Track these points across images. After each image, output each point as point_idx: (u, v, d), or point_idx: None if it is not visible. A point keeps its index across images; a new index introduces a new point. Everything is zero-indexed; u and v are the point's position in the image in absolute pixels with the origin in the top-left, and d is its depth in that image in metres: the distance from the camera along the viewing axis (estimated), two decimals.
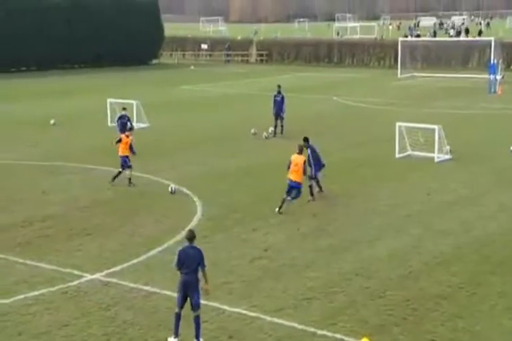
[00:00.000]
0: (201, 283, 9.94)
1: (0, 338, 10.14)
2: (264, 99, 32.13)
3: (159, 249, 13.65)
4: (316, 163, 17.38)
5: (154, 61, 62.04)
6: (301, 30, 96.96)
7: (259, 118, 29.13)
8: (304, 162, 16.18)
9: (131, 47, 58.13)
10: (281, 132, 26.15)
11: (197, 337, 9.88)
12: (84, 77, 49.50)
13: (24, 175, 20.03)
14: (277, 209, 16.18)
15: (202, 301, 10.05)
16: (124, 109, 24.02)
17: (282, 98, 26.26)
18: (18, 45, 50.70)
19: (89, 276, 12.36)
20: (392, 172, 20.31)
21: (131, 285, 11.99)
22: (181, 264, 9.82)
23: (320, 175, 17.60)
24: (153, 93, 39.35)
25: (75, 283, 12.07)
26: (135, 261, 13.11)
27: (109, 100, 28.80)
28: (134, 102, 28.03)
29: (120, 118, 23.64)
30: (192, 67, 57.91)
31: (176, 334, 9.96)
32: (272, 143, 25.15)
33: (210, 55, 65.72)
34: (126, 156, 18.80)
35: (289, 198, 16.20)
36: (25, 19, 51.34)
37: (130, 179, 18.71)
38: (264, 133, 25.94)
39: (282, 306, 11.10)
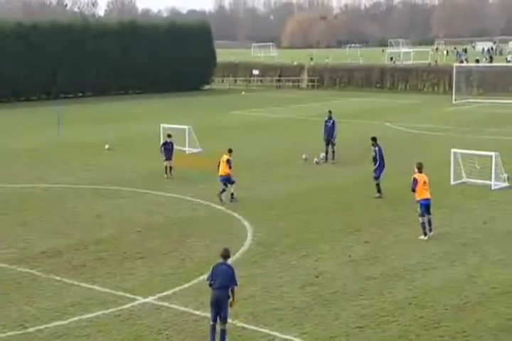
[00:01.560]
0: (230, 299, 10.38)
1: None
2: (315, 125, 32.16)
3: (210, 273, 13.66)
4: (380, 162, 19.49)
5: (206, 87, 63.02)
6: (352, 55, 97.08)
7: (310, 143, 29.13)
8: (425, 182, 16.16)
9: (185, 73, 59.24)
10: (333, 158, 26.06)
11: None
12: (138, 102, 50.62)
13: (80, 198, 20.49)
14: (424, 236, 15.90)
15: (252, 327, 10.11)
16: (169, 136, 24.10)
17: (333, 123, 26.24)
18: (75, 71, 52.34)
19: (141, 300, 12.48)
20: (447, 199, 19.91)
21: (182, 309, 12.05)
22: (214, 279, 10.40)
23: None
24: (205, 118, 39.90)
25: (128, 306, 12.20)
26: (186, 285, 13.18)
27: (162, 125, 29.34)
28: (186, 127, 28.46)
29: (164, 144, 23.87)
30: (243, 93, 58.57)
31: None
32: (323, 168, 25.07)
33: (261, 81, 66.38)
34: (227, 175, 19.69)
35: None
36: (82, 46, 53.06)
37: (233, 194, 19.78)
38: (315, 159, 25.90)
39: (334, 334, 10.94)
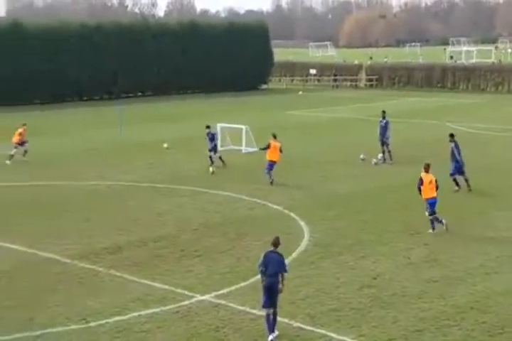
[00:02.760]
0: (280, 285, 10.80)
1: None
2: (373, 125, 31.74)
3: None
4: (456, 159, 20.25)
5: (263, 86, 63.14)
6: (413, 54, 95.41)
7: (368, 143, 28.81)
8: (436, 180, 16.77)
9: (242, 73, 59.55)
10: (390, 158, 25.72)
11: (273, 330, 10.77)
12: (196, 101, 51.18)
13: (141, 196, 20.88)
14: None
15: (309, 327, 10.13)
16: (208, 127, 25.09)
17: (386, 123, 25.91)
18: (136, 70, 53.33)
19: (199, 297, 12.63)
20: (511, 201, 19.35)
21: (239, 307, 12.13)
22: (264, 267, 10.87)
23: None
24: (262, 118, 39.99)
25: (186, 303, 12.36)
26: (243, 284, 13.26)
27: (219, 125, 29.58)
28: (243, 127, 28.60)
29: (208, 134, 25.00)
30: (300, 93, 58.42)
31: (273, 330, 10.75)
32: (381, 169, 24.76)
33: (318, 80, 66.04)
34: (274, 162, 21.44)
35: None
36: (142, 46, 54.01)
37: (272, 181, 21.50)
38: (374, 160, 25.60)
39: (392, 337, 10.80)
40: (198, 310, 12.07)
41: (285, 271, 11.02)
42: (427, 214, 16.58)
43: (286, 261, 14.16)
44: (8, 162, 25.98)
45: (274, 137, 22.49)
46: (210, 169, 23.97)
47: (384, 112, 26.29)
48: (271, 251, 11.05)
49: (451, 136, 21.11)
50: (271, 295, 10.81)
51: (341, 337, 10.88)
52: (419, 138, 30.99)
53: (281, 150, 22.08)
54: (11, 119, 39.63)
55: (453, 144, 20.85)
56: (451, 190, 20.12)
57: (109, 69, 51.75)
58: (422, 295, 12.47)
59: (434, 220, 16.46)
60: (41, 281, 13.46)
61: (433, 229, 16.49)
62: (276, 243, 11.15)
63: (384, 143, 25.86)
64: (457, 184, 20.46)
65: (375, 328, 11.16)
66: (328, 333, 11.00)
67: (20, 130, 27.06)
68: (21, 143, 26.79)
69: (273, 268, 10.81)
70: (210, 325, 11.46)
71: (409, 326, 11.20)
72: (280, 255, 11.06)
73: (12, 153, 26.44)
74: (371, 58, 79.79)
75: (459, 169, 20.57)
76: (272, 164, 21.99)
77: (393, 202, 19.57)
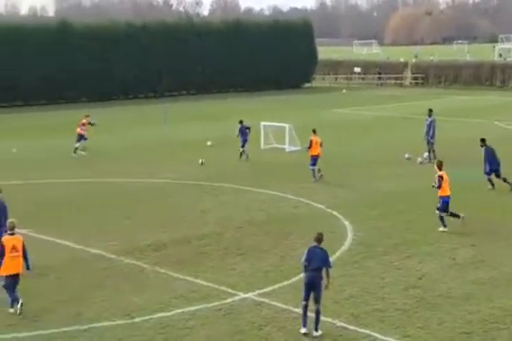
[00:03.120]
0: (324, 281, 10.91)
1: None
2: (419, 123, 31.29)
3: None
4: (489, 162, 20.31)
5: (307, 85, 62.94)
6: (460, 51, 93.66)
7: (413, 142, 28.41)
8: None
9: (286, 71, 59.49)
10: (434, 157, 25.29)
11: (316, 329, 10.83)
12: (240, 100, 51.34)
13: (185, 193, 21.05)
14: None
15: (353, 327, 10.05)
16: (241, 122, 26.33)
17: (431, 122, 25.49)
18: (180, 69, 53.78)
19: (242, 295, 12.67)
20: None
21: (283, 306, 12.11)
22: (307, 262, 10.92)
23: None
24: (306, 116, 39.85)
25: (229, 300, 12.42)
26: (286, 282, 13.23)
27: (262, 123, 29.58)
28: (287, 125, 28.54)
29: (240, 129, 26.21)
30: (344, 91, 58.00)
31: (305, 325, 10.84)
32: (426, 168, 24.35)
33: (362, 79, 65.49)
34: (317, 156, 22.02)
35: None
36: (187, 45, 54.40)
37: (321, 176, 22.16)
38: (419, 159, 25.24)
39: (438, 338, 10.64)
40: (241, 307, 12.11)
41: (329, 266, 11.10)
42: (438, 212, 16.56)
43: (330, 259, 14.18)
44: (75, 155, 26.85)
45: (314, 132, 22.73)
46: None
47: (430, 110, 25.89)
48: (314, 246, 11.17)
49: (483, 140, 20.98)
50: (310, 290, 10.89)
51: (386, 337, 10.76)
52: (466, 137, 30.39)
53: (321, 145, 22.43)
54: (60, 117, 40.51)
55: (484, 149, 20.80)
56: (498, 191, 19.68)
57: (154, 68, 52.36)
58: (468, 297, 12.24)
59: (452, 216, 16.55)
60: (89, 277, 13.72)
61: (445, 226, 16.48)
62: (319, 238, 11.26)
63: (428, 141, 25.49)
64: (492, 184, 20.56)
65: (420, 329, 11.00)
66: (372, 333, 10.89)
67: (83, 120, 27.75)
68: (83, 137, 27.34)
69: (316, 263, 10.90)
70: (253, 323, 11.49)
71: (456, 328, 11.01)
72: (324, 250, 11.16)
73: (76, 145, 27.11)
74: (416, 56, 78.47)
75: (494, 171, 20.59)
76: (315, 158, 22.25)
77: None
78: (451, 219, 16.62)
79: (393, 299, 12.29)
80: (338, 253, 14.83)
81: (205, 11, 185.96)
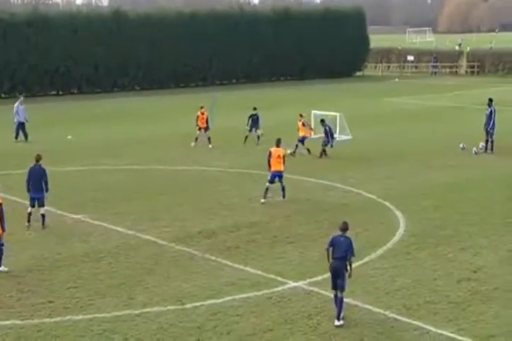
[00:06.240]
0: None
1: (210, 335, 10.73)
2: (474, 113, 30.60)
3: (360, 262, 13.47)
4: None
5: (358, 73, 62.09)
6: None
7: (468, 132, 27.73)
8: (284, 155, 18.50)
9: (337, 60, 58.81)
10: (492, 148, 24.65)
11: (338, 317, 10.83)
12: (290, 88, 51.04)
13: (233, 182, 21.09)
14: None
15: (405, 319, 9.91)
16: (255, 108, 27.02)
17: (491, 112, 24.83)
18: (230, 58, 53.76)
19: (292, 284, 12.61)
20: None
21: (332, 295, 11.98)
22: (333, 250, 11.01)
23: None
24: (357, 105, 39.35)
25: (279, 289, 12.38)
26: None
27: (313, 112, 29.33)
28: (337, 114, 28.22)
29: (251, 116, 26.85)
30: (396, 80, 57.01)
31: (337, 318, 10.80)
32: (481, 158, 23.79)
33: (416, 67, 64.23)
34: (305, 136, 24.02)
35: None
36: (236, 33, 54.26)
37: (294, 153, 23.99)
38: (474, 149, 24.64)
39: (494, 333, 10.37)
40: (290, 296, 12.06)
41: (353, 255, 11.07)
42: None
43: (381, 251, 14.00)
44: (193, 144, 26.73)
45: (301, 116, 25.08)
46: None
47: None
48: (339, 235, 11.16)
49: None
50: (335, 278, 10.96)
51: (439, 330, 10.55)
52: None
53: (311, 128, 25.27)
54: (114, 105, 41.14)
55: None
56: None
57: (204, 56, 52.50)
58: None
59: None
60: (140, 262, 13.89)
61: None
62: (344, 227, 11.26)
63: (488, 132, 24.87)
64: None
65: (475, 323, 10.74)
66: (425, 326, 10.70)
67: (198, 113, 27.97)
68: (204, 128, 27.40)
69: (340, 252, 10.93)
70: (303, 312, 11.43)
71: None
72: (348, 239, 11.13)
73: (197, 135, 27.01)
74: (460, 45, 74.67)
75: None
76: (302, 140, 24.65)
77: (494, 194, 18.75)
78: None
79: (446, 291, 12.03)
80: (389, 244, 14.62)
81: None
